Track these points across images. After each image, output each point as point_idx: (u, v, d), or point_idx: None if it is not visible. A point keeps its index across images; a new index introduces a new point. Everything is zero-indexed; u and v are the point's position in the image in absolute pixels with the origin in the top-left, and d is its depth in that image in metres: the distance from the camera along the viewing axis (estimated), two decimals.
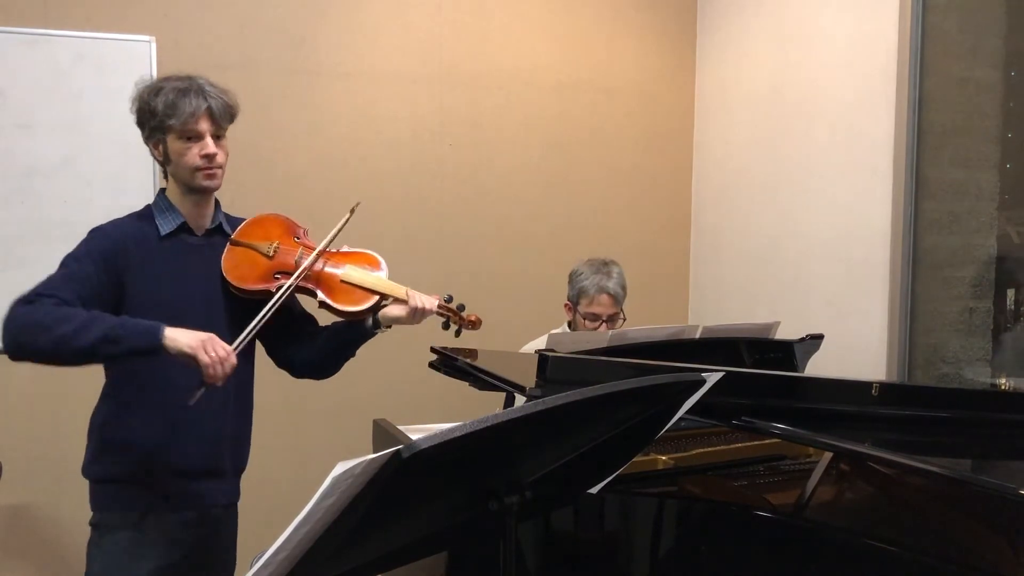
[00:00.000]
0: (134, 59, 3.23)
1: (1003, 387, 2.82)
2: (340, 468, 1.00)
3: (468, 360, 2.25)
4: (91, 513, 2.04)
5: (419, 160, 3.65)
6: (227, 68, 3.36)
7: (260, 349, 2.20)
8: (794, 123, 3.43)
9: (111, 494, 2.02)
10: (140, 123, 2.02)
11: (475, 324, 2.22)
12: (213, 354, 1.83)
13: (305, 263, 2.06)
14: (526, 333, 2.98)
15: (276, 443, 3.46)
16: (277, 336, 2.14)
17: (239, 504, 2.22)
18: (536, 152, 3.81)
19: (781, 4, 3.50)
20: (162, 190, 2.09)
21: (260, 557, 1.06)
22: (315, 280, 2.09)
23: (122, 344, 1.82)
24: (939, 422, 1.99)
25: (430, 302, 2.12)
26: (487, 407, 2.75)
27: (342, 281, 2.09)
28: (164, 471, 2.01)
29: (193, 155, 1.98)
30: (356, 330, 2.15)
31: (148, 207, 2.08)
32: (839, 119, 3.21)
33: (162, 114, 1.95)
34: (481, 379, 2.17)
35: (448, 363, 2.32)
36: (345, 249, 2.17)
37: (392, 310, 2.12)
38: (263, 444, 3.44)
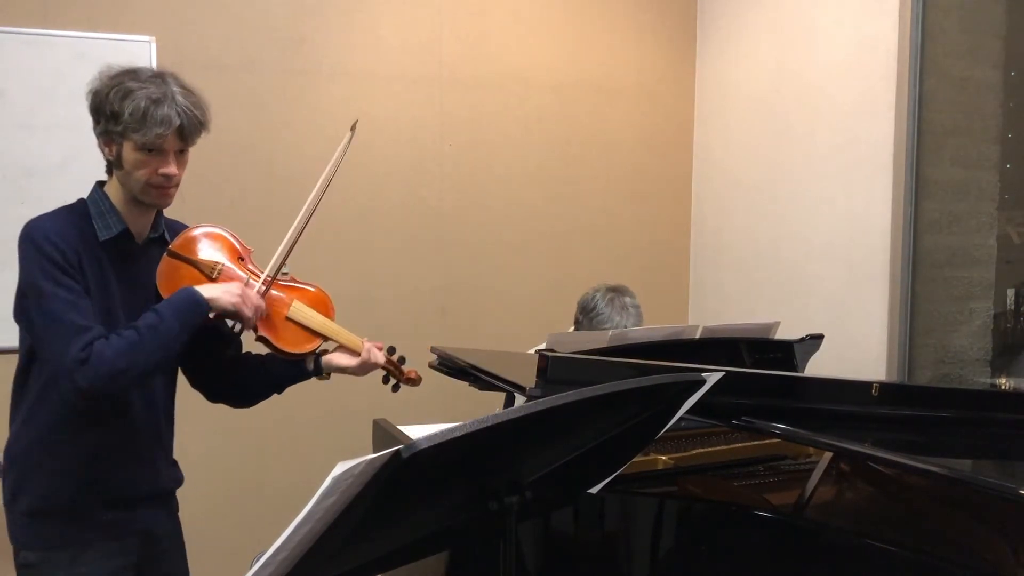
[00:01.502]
0: (134, 59, 3.16)
1: (1003, 387, 2.82)
2: (340, 468, 1.00)
3: (468, 360, 2.25)
4: (16, 550, 1.86)
5: (419, 160, 3.65)
6: (227, 68, 3.36)
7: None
8: (794, 123, 3.43)
9: (44, 531, 1.83)
10: (95, 116, 1.82)
11: (415, 381, 2.14)
12: (252, 307, 1.83)
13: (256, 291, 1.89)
14: (526, 334, 2.98)
15: (276, 443, 3.47)
16: (200, 358, 1.99)
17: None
18: (536, 152, 3.81)
19: (781, 4, 3.50)
20: (100, 184, 1.89)
21: (260, 557, 1.06)
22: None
23: (186, 332, 1.78)
24: (939, 422, 1.99)
25: (379, 356, 2.04)
26: (487, 407, 2.75)
27: (287, 319, 1.95)
28: (103, 500, 1.86)
29: (150, 171, 1.79)
30: (293, 371, 2.03)
31: (83, 203, 1.87)
32: (839, 119, 3.21)
33: (127, 123, 1.76)
34: (481, 379, 2.16)
35: (448, 363, 2.31)
36: (293, 282, 2.02)
37: (338, 359, 2.02)
38: (263, 444, 3.46)
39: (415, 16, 3.61)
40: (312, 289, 2.04)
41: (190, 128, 1.81)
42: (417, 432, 2.45)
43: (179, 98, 1.79)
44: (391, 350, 2.10)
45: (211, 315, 1.81)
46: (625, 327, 2.74)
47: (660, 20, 3.98)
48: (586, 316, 2.84)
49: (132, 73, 1.81)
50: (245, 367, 2.05)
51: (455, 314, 3.71)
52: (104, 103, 1.79)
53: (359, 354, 2.02)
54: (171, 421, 2.04)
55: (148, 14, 3.27)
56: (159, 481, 1.98)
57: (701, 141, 4.03)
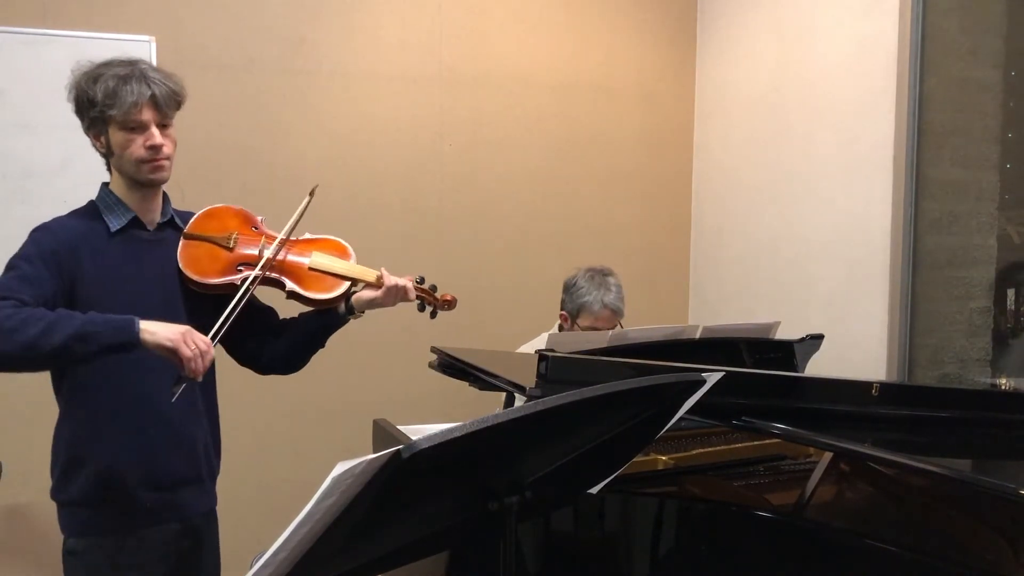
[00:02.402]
0: None
1: (1003, 387, 2.82)
2: (340, 468, 1.00)
3: (468, 360, 2.25)
4: (64, 538, 1.91)
5: (419, 160, 3.65)
6: (227, 68, 3.36)
7: (220, 352, 2.06)
8: (794, 123, 3.43)
9: (86, 518, 1.89)
10: (79, 112, 1.89)
11: (451, 304, 2.18)
12: (193, 347, 1.72)
13: (269, 252, 1.96)
14: (526, 334, 2.98)
15: (276, 443, 3.47)
16: (240, 332, 1.97)
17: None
18: (536, 152, 3.81)
19: (781, 4, 3.50)
20: (105, 184, 1.96)
21: (260, 557, 1.06)
22: (281, 270, 1.99)
23: (95, 341, 1.68)
24: (939, 422, 1.99)
25: (403, 280, 2.07)
26: (487, 407, 2.75)
27: (310, 269, 2.01)
28: (142, 487, 1.90)
29: (138, 147, 1.85)
30: (328, 318, 2.08)
31: (93, 204, 1.94)
32: (839, 119, 3.21)
33: (102, 103, 1.82)
34: (481, 379, 2.17)
35: (448, 363, 2.32)
36: (308, 236, 2.09)
37: (366, 293, 2.06)
38: (263, 444, 3.46)
39: (415, 16, 3.61)
40: (329, 239, 2.11)
41: (164, 97, 1.86)
42: (417, 432, 2.45)
43: (149, 72, 1.86)
44: (420, 280, 2.14)
45: (144, 346, 1.73)
46: (604, 302, 2.81)
47: (660, 20, 3.98)
48: (568, 293, 2.91)
49: (103, 64, 1.88)
50: (283, 332, 2.11)
51: (455, 314, 3.69)
52: (81, 94, 1.87)
53: (383, 285, 2.06)
54: (213, 406, 2.07)
55: (148, 14, 3.27)
56: (197, 470, 2.01)
57: (701, 141, 4.03)
